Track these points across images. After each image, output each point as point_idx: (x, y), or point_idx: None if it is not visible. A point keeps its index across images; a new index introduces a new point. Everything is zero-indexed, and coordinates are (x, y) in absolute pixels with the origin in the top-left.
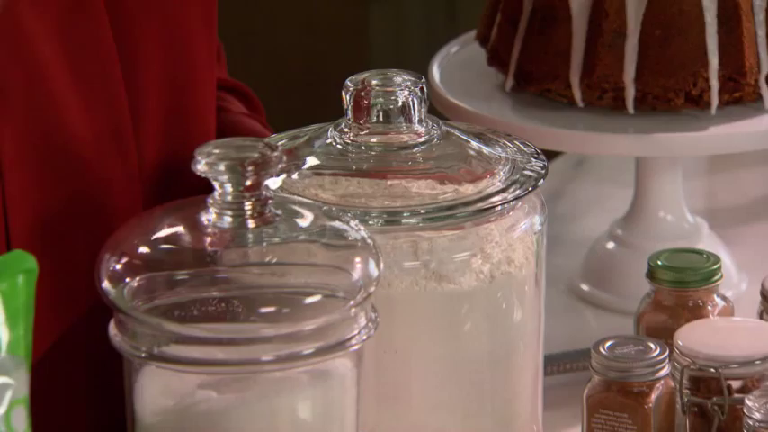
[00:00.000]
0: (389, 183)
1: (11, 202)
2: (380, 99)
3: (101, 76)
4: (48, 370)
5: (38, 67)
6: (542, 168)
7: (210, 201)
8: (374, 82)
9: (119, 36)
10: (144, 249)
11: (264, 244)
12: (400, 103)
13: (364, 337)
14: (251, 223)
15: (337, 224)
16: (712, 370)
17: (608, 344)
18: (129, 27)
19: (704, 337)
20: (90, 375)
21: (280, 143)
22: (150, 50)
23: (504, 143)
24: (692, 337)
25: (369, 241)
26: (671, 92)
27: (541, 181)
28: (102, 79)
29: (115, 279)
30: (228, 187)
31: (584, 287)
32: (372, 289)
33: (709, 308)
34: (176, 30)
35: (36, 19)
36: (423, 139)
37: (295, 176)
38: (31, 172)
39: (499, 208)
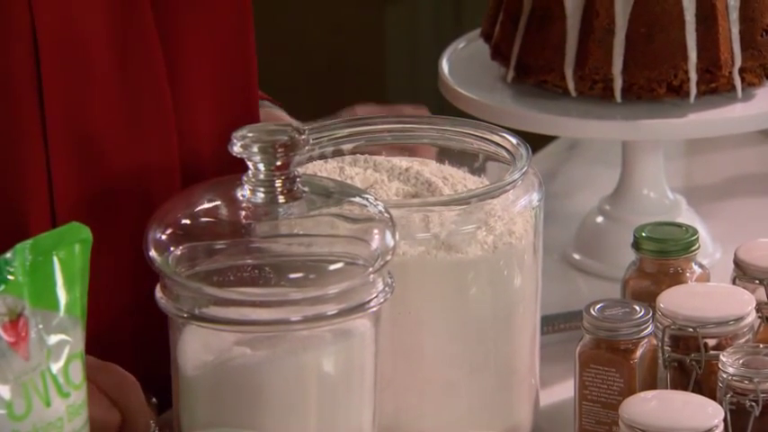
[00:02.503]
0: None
1: (57, 184)
2: None
3: (144, 63)
4: (101, 329)
5: (83, 51)
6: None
7: (245, 178)
8: None
9: (162, 26)
10: (186, 222)
11: (293, 217)
12: None
13: (382, 300)
14: (281, 199)
15: (357, 199)
16: (691, 329)
17: (598, 306)
18: (172, 15)
19: (683, 301)
20: (137, 333)
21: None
22: (192, 57)
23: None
24: (672, 300)
25: (386, 215)
26: (654, 82)
27: (525, 167)
28: (146, 66)
29: (161, 248)
30: (261, 167)
31: (577, 256)
32: (389, 257)
33: (688, 274)
34: (214, 36)
35: (92, 20)
36: None
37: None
38: (74, 157)
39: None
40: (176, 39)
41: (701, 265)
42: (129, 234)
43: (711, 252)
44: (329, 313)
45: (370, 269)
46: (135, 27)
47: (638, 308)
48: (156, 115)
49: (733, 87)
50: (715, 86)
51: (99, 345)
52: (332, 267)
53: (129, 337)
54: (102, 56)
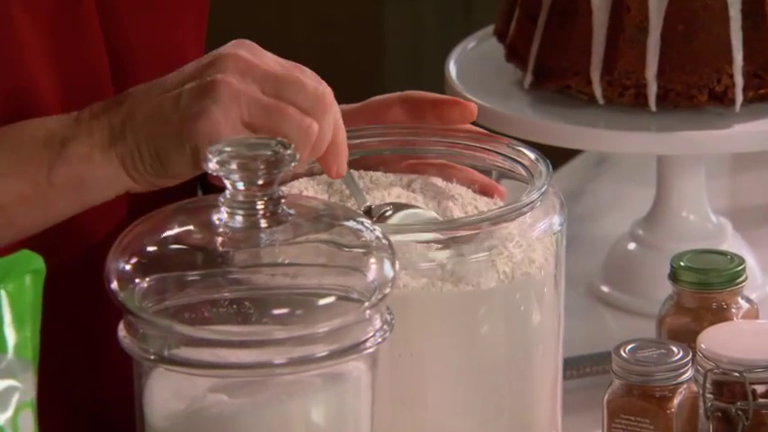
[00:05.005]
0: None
1: None
2: None
3: (89, 82)
4: (54, 373)
5: (25, 73)
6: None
7: (222, 200)
8: None
9: (110, 42)
10: (154, 249)
11: (277, 244)
12: None
13: (379, 340)
14: (263, 223)
15: (351, 223)
16: (736, 374)
17: (629, 347)
18: (122, 33)
19: (728, 341)
20: (97, 378)
21: None
22: (142, 56)
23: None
24: (715, 340)
25: (384, 241)
26: (694, 88)
27: (545, 186)
28: (90, 85)
29: (125, 280)
30: (240, 186)
31: (605, 289)
32: (387, 290)
33: (733, 310)
34: (169, 36)
35: (27, 21)
36: None
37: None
38: None
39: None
40: (123, 42)
41: (748, 300)
42: (72, 266)
43: (761, 284)
44: (318, 355)
45: (366, 304)
46: (76, 27)
47: (675, 349)
48: None
49: None
50: (764, 93)
51: (52, 392)
52: (322, 302)
53: (87, 382)
54: (38, 63)
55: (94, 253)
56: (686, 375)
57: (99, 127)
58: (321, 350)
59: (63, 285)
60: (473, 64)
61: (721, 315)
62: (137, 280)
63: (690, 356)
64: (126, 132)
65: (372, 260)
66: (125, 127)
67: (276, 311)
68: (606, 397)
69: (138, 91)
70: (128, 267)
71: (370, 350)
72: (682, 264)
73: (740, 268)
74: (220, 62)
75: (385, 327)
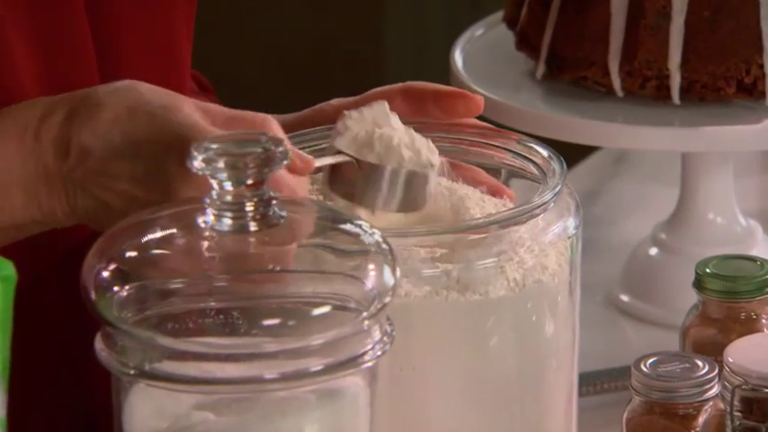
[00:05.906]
0: None
1: None
2: None
3: (73, 70)
4: (24, 389)
5: (6, 61)
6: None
7: (208, 201)
8: None
9: (96, 29)
10: (134, 255)
11: (268, 249)
12: None
13: (378, 353)
14: (253, 226)
15: (348, 227)
16: (767, 390)
17: (650, 361)
18: (109, 20)
19: (758, 354)
20: (71, 395)
21: None
22: (130, 43)
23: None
24: (744, 353)
25: (384, 246)
26: (721, 80)
27: (559, 186)
28: (75, 73)
29: (102, 288)
30: (228, 186)
31: (624, 298)
32: (388, 299)
33: (764, 321)
34: (159, 21)
35: (7, 8)
36: None
37: None
38: None
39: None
40: (111, 31)
41: None
42: (52, 271)
43: None
44: (313, 370)
45: (365, 314)
46: (61, 15)
47: (700, 363)
48: None
49: None
50: None
51: (34, 406)
52: (316, 312)
53: (72, 396)
54: (20, 50)
55: (75, 257)
56: (712, 392)
57: (56, 191)
58: (316, 364)
59: (42, 292)
60: (481, 53)
61: (750, 326)
62: (115, 288)
63: (716, 371)
64: (77, 208)
65: (371, 266)
66: (77, 197)
67: (267, 322)
68: (625, 415)
69: (91, 161)
70: (105, 274)
71: (369, 364)
72: (708, 270)
73: None
74: (167, 188)
75: (385, 339)
